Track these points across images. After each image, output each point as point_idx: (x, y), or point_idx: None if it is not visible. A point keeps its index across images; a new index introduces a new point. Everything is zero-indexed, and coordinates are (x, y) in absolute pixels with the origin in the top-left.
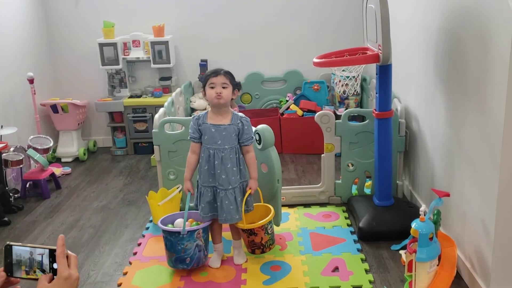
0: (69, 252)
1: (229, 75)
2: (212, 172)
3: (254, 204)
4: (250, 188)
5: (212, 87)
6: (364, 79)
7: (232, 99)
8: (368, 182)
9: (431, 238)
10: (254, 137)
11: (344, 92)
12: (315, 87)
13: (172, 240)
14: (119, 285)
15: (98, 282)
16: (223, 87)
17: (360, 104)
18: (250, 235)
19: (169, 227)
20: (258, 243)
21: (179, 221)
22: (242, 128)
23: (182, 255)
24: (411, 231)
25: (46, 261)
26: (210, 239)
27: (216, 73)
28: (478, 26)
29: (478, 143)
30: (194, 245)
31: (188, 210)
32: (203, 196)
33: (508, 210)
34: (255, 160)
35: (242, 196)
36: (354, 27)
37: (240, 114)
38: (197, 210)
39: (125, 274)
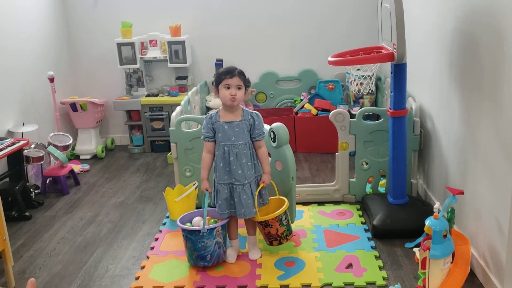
0: None
1: (242, 75)
2: (228, 169)
3: (269, 197)
4: (263, 182)
5: (227, 88)
6: (379, 78)
7: (246, 99)
8: (383, 181)
9: (445, 236)
10: (265, 132)
11: (358, 91)
12: (330, 86)
13: (192, 238)
14: (137, 278)
15: (116, 276)
16: (238, 88)
17: (374, 103)
18: (265, 227)
19: (188, 226)
20: (274, 234)
21: (197, 220)
22: (253, 123)
23: (202, 253)
24: (425, 228)
25: None
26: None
27: (231, 74)
28: (492, 25)
29: (493, 141)
30: (214, 242)
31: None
32: (219, 193)
33: None
34: (267, 155)
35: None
36: (368, 26)
37: (251, 110)
38: (214, 208)
39: (142, 268)
